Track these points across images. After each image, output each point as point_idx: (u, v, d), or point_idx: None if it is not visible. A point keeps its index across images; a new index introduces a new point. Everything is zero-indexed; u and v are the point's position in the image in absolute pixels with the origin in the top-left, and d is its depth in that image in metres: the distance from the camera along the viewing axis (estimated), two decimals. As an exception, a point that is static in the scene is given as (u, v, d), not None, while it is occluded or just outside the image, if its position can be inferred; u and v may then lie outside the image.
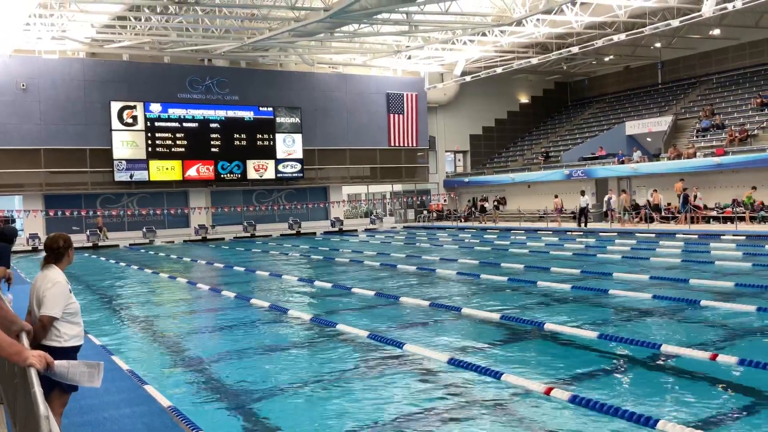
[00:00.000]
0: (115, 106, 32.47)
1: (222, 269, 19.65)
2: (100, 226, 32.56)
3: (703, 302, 10.40)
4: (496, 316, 9.98)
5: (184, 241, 32.99)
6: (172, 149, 33.77)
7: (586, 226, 29.40)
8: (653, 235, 24.73)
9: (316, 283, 15.05)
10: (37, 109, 31.13)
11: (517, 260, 17.85)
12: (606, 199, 30.72)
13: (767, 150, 26.59)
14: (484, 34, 33.26)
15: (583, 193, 30.44)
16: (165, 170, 33.65)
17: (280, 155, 36.34)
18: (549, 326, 8.99)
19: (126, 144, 32.81)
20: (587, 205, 30.10)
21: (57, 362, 3.60)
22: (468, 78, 38.97)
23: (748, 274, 14.06)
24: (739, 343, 8.12)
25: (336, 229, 37.49)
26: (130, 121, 32.81)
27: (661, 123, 34.00)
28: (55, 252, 4.78)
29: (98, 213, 33.08)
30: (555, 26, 31.54)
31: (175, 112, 33.82)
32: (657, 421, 5.13)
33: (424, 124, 41.14)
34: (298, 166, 36.86)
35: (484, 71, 38.40)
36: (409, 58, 38.16)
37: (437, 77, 41.45)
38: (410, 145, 40.58)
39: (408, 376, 7.05)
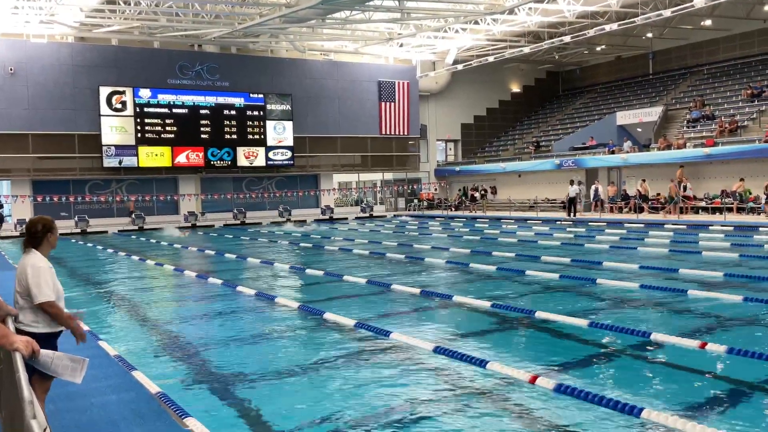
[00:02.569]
0: (104, 91, 32.20)
1: (212, 256, 19.59)
2: (131, 210, 33.25)
3: (692, 292, 10.46)
4: (487, 304, 10.00)
5: (179, 227, 32.79)
6: (162, 135, 33.55)
7: (575, 215, 29.48)
8: (642, 225, 24.83)
9: (307, 271, 15.03)
10: (25, 93, 30.82)
11: (507, 249, 17.88)
12: (593, 188, 30.81)
13: (757, 141, 26.72)
14: (476, 23, 33.16)
15: (572, 182, 30.51)
16: (154, 156, 33.46)
17: (270, 142, 36.19)
18: (540, 314, 9.01)
19: (115, 130, 32.57)
20: (576, 194, 30.18)
21: (43, 351, 3.57)
22: (460, 66, 38.89)
23: (737, 264, 14.14)
24: (728, 332, 8.17)
25: (326, 217, 37.44)
26: (119, 106, 32.56)
27: (652, 113, 34.09)
28: (33, 236, 4.62)
29: (131, 198, 33.77)
30: (547, 15, 31.49)
31: (165, 97, 33.58)
32: (642, 409, 5.16)
33: (415, 113, 41.06)
34: (289, 154, 36.73)
35: (476, 60, 38.32)
36: (401, 45, 38.02)
37: (429, 65, 41.33)
38: (401, 133, 40.51)
39: (394, 364, 7.06)
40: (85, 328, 8.78)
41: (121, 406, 5.43)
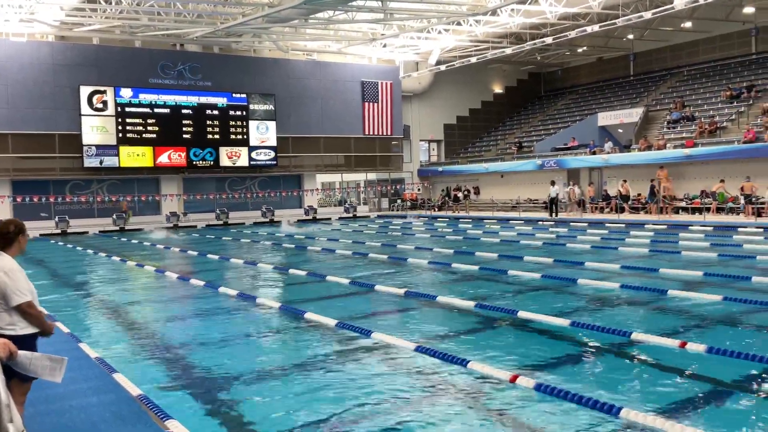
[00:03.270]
0: (85, 91, 31.92)
1: (194, 257, 19.48)
2: (125, 210, 33.12)
3: (673, 291, 10.56)
4: (470, 304, 10.03)
5: (164, 227, 32.56)
6: (143, 135, 33.32)
7: (556, 215, 29.65)
8: (623, 225, 25.03)
9: (290, 271, 15.00)
10: (4, 92, 30.47)
11: (490, 249, 17.95)
12: (566, 190, 30.86)
13: (736, 142, 27.04)
14: (459, 24, 33.27)
15: (553, 183, 30.68)
16: (136, 156, 33.22)
17: (253, 143, 36.06)
18: (522, 314, 9.06)
19: (96, 129, 32.30)
20: (557, 195, 30.37)
21: (20, 353, 3.54)
22: (443, 67, 38.98)
23: (716, 264, 14.30)
24: (708, 332, 8.26)
25: (310, 217, 37.37)
26: (100, 106, 32.29)
27: (633, 114, 34.37)
28: (5, 237, 4.51)
29: (126, 198, 33.80)
30: (529, 16, 31.66)
31: (147, 97, 33.35)
32: (620, 408, 5.20)
33: (398, 113, 41.10)
34: (272, 154, 36.62)
35: (458, 60, 38.43)
36: (384, 46, 38.05)
37: (412, 66, 41.39)
38: (385, 133, 40.53)
39: (376, 364, 7.07)
40: (65, 330, 8.71)
41: (101, 409, 5.40)
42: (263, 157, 36.45)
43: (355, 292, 11.96)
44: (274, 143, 36.58)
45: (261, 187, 38.04)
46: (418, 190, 43.41)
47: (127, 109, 32.88)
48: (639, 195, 29.81)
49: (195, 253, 20.26)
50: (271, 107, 36.41)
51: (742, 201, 25.53)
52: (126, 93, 32.78)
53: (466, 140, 46.13)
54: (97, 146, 32.30)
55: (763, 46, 35.50)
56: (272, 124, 36.49)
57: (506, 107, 47.69)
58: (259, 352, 7.92)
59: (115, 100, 32.54)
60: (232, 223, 34.71)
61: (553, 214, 29.85)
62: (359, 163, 40.23)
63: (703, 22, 35.68)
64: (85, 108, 31.93)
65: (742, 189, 25.62)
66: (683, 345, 7.20)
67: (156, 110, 33.60)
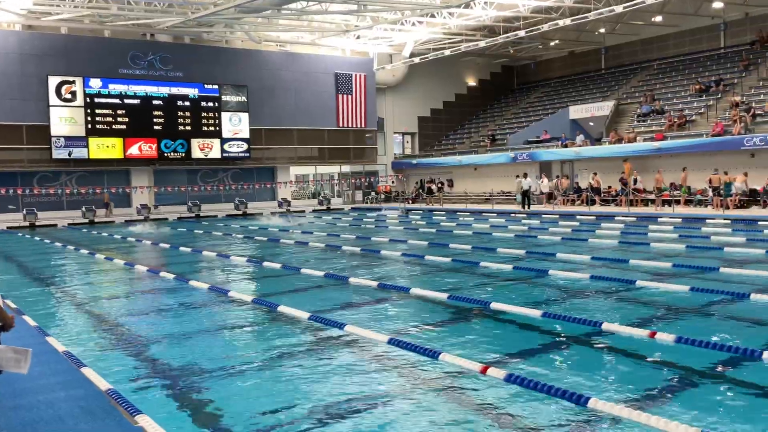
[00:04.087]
0: (53, 81, 31.35)
1: (165, 250, 19.28)
2: (106, 202, 32.93)
3: (642, 282, 10.70)
4: (443, 295, 10.06)
5: (126, 221, 32.22)
6: (113, 126, 32.84)
7: (529, 208, 29.87)
8: (594, 217, 25.30)
9: (264, 264, 14.91)
10: (-32, 82, 29.82)
11: (463, 241, 18.03)
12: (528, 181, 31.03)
13: (704, 135, 27.46)
14: (432, 16, 33.27)
15: (525, 175, 30.89)
16: (105, 148, 32.74)
17: (225, 134, 35.75)
18: (495, 305, 9.11)
19: (64, 120, 31.76)
20: (530, 187, 30.58)
21: (-18, 346, 3.47)
22: (416, 59, 38.98)
23: (684, 255, 14.52)
24: (676, 322, 8.38)
25: (283, 209, 37.20)
26: (68, 96, 31.74)
27: (604, 108, 34.73)
28: None
29: (107, 190, 33.61)
30: (502, 9, 31.78)
31: (116, 87, 32.86)
32: (588, 398, 5.26)
33: (372, 105, 41.01)
34: (245, 146, 36.33)
35: (432, 53, 38.45)
36: (358, 38, 37.92)
37: (386, 58, 41.32)
38: (359, 126, 40.42)
39: (348, 357, 7.06)
40: (33, 324, 8.56)
41: (69, 403, 5.31)
42: (236, 149, 36.15)
43: (329, 284, 11.93)
44: (247, 135, 36.30)
45: (234, 180, 37.76)
46: (392, 182, 43.43)
47: (97, 100, 32.37)
48: (609, 187, 30.14)
49: (167, 245, 20.05)
50: (244, 99, 36.10)
51: (710, 193, 25.94)
52: (95, 83, 32.25)
53: (440, 133, 46.23)
54: (66, 137, 31.76)
55: (732, 40, 36.07)
56: (245, 116, 36.19)
57: (480, 100, 47.87)
58: (231, 345, 7.87)
59: (84, 91, 32.00)
60: (204, 215, 34.41)
61: (526, 207, 30.04)
62: (333, 156, 40.10)
63: (673, 17, 36.14)
64: (53, 98, 31.36)
65: (710, 181, 26.01)
66: (653, 335, 7.30)
67: (126, 101, 33.12)
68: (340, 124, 39.82)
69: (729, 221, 21.11)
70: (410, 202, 39.18)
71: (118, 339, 8.30)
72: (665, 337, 7.19)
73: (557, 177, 31.93)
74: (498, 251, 15.74)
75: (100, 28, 32.21)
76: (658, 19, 36.19)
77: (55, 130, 31.48)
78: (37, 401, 5.38)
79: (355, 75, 39.88)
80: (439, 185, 38.97)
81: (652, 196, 28.42)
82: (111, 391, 5.64)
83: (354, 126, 40.30)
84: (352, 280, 11.96)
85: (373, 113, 41.13)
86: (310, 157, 39.66)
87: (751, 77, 31.89)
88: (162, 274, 13.63)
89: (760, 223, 20.37)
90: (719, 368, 6.37)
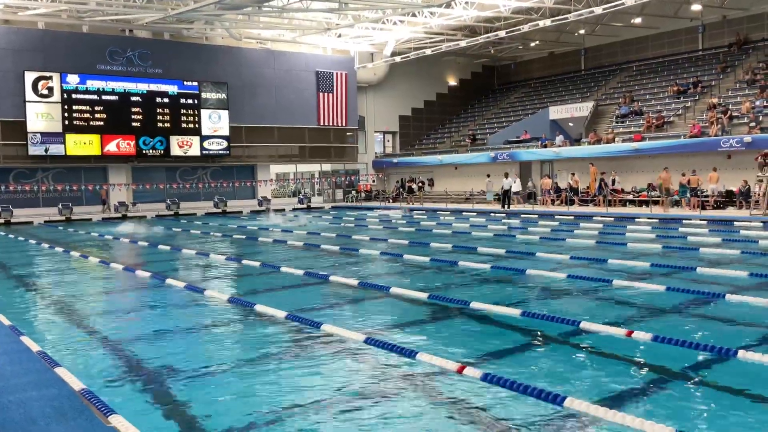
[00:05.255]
0: (30, 77, 30.93)
1: (142, 248, 19.09)
2: (104, 199, 33.02)
3: (619, 282, 10.78)
4: (423, 295, 10.05)
5: (103, 218, 31.89)
6: (91, 123, 32.47)
7: (509, 207, 30.00)
8: (572, 217, 25.46)
9: (243, 261, 14.82)
10: (-58, 76, 29.32)
11: (444, 240, 18.05)
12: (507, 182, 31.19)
13: (682, 136, 27.75)
14: (413, 15, 33.29)
15: (506, 175, 31.03)
16: (82, 144, 32.36)
17: (205, 132, 35.50)
18: (475, 305, 9.12)
19: (41, 116, 31.34)
20: (510, 187, 30.72)
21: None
22: (398, 59, 38.99)
23: (660, 255, 14.66)
24: (653, 321, 8.44)
25: (263, 208, 37.03)
26: (45, 92, 31.33)
27: (583, 108, 34.99)
28: None
29: (104, 186, 33.64)
30: (483, 9, 31.88)
31: (94, 84, 32.49)
32: (564, 398, 5.27)
33: (353, 104, 40.94)
34: (225, 144, 36.10)
35: (413, 52, 38.48)
36: (339, 36, 37.83)
37: (367, 57, 41.27)
38: (340, 124, 40.33)
39: (325, 356, 7.02)
40: (7, 323, 8.43)
41: (41, 404, 5.23)
42: (215, 146, 35.91)
43: (309, 283, 11.88)
44: (226, 132, 36.07)
45: (213, 177, 37.50)
46: (373, 181, 43.41)
47: (74, 96, 31.98)
48: (587, 188, 30.35)
49: (144, 243, 19.86)
50: (224, 96, 35.86)
51: (688, 194, 26.22)
52: (73, 79, 31.87)
53: (421, 132, 46.29)
54: (43, 134, 31.35)
55: (710, 42, 36.50)
56: (225, 113, 35.96)
57: (460, 100, 48.00)
58: (207, 345, 7.79)
59: (62, 87, 31.60)
60: (183, 213, 34.15)
61: (506, 206, 30.17)
62: (314, 154, 39.98)
63: (652, 19, 36.48)
64: (29, 94, 30.94)
65: (688, 182, 26.27)
66: (630, 334, 7.35)
67: (104, 97, 32.76)
68: (321, 123, 39.71)
69: (705, 221, 21.35)
70: (391, 201, 39.18)
71: (92, 338, 8.19)
72: (642, 336, 7.24)
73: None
74: (479, 250, 15.78)
75: (79, 23, 31.82)
76: (638, 20, 36.52)
77: (31, 126, 31.06)
78: (8, 401, 5.29)
79: (336, 73, 39.79)
80: (420, 184, 39.02)
81: (630, 197, 28.69)
82: (85, 391, 5.56)
83: (335, 124, 40.20)
84: (332, 278, 11.92)
85: (354, 112, 41.07)
86: (290, 156, 39.50)
87: (728, 79, 32.29)
88: (138, 272, 13.49)
89: (735, 223, 20.62)
90: (695, 367, 6.42)
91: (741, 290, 9.86)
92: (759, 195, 22.86)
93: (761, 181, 22.65)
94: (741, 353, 6.46)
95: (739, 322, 8.27)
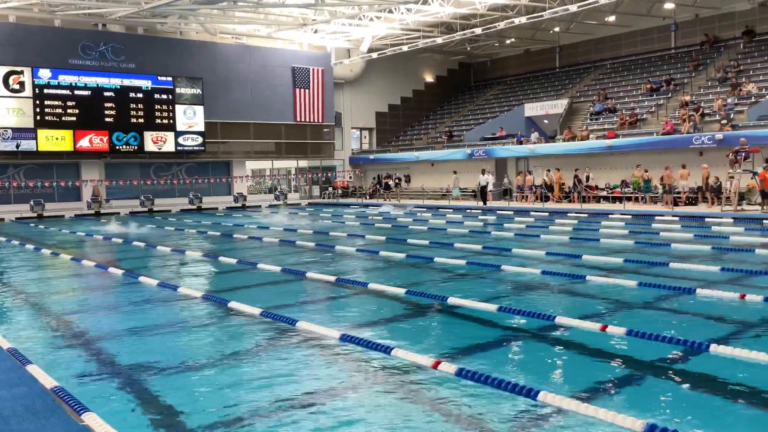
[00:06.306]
0: (1, 71, 30.38)
1: (115, 245, 18.87)
2: (96, 194, 32.80)
3: (593, 277, 10.88)
4: (401, 291, 10.06)
5: (76, 215, 31.49)
6: (63, 118, 32.01)
7: (486, 204, 30.14)
8: (547, 213, 25.65)
9: (219, 259, 14.72)
10: None
11: (420, 236, 18.09)
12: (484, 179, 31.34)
13: (655, 133, 28.09)
14: (390, 11, 33.27)
15: (483, 172, 31.17)
16: (55, 140, 31.89)
17: (180, 127, 35.16)
18: (452, 300, 9.15)
19: (12, 111, 30.82)
20: (487, 183, 30.86)
21: None
22: (374, 55, 38.94)
23: (633, 251, 14.83)
24: (626, 315, 8.54)
25: (239, 204, 36.83)
26: (16, 87, 30.81)
27: (558, 106, 35.25)
28: None
29: (99, 182, 33.66)
30: (459, 6, 31.96)
31: (66, 78, 32.01)
32: (538, 392, 5.32)
33: (330, 100, 40.83)
34: (200, 139, 35.80)
35: (390, 49, 38.45)
36: (316, 32, 37.68)
37: (344, 53, 41.16)
38: (316, 120, 40.21)
39: (300, 353, 7.00)
40: (-25, 320, 8.28)
41: (12, 402, 5.14)
42: (190, 142, 35.59)
43: (287, 280, 11.83)
44: (202, 128, 35.77)
45: (188, 174, 37.17)
46: (350, 177, 43.35)
47: (46, 91, 31.49)
48: (563, 184, 30.60)
49: (118, 240, 19.63)
50: (199, 91, 35.55)
51: (661, 190, 26.54)
52: (44, 74, 31.37)
53: (398, 128, 46.31)
54: (14, 129, 30.84)
55: (683, 41, 36.96)
56: (200, 109, 35.65)
57: (437, 96, 48.10)
58: (182, 342, 7.73)
59: (33, 81, 31.10)
60: (158, 210, 33.81)
61: (482, 203, 30.31)
62: (290, 150, 39.80)
63: (625, 17, 36.85)
64: (0, 89, 30.38)
65: (662, 179, 26.59)
66: (604, 328, 7.43)
67: (76, 92, 32.30)
68: (298, 119, 39.55)
69: (678, 218, 21.64)
70: (368, 197, 39.16)
71: (65, 336, 8.08)
72: (616, 330, 7.32)
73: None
74: (456, 246, 15.83)
75: (50, 17, 31.32)
76: (611, 19, 36.86)
77: (2, 122, 30.53)
78: (-22, 400, 5.19)
79: (313, 69, 39.64)
80: (397, 181, 39.05)
81: (604, 193, 28.97)
82: (57, 389, 5.49)
83: (311, 120, 40.06)
84: (309, 274, 11.89)
85: (330, 108, 40.96)
86: (266, 152, 39.30)
87: (700, 77, 32.74)
88: (111, 269, 13.34)
89: (707, 219, 20.94)
90: (668, 361, 6.51)
91: (712, 285, 10.01)
92: (730, 192, 23.22)
93: (732, 177, 23.00)
94: (713, 347, 6.56)
95: (710, 316, 8.40)
